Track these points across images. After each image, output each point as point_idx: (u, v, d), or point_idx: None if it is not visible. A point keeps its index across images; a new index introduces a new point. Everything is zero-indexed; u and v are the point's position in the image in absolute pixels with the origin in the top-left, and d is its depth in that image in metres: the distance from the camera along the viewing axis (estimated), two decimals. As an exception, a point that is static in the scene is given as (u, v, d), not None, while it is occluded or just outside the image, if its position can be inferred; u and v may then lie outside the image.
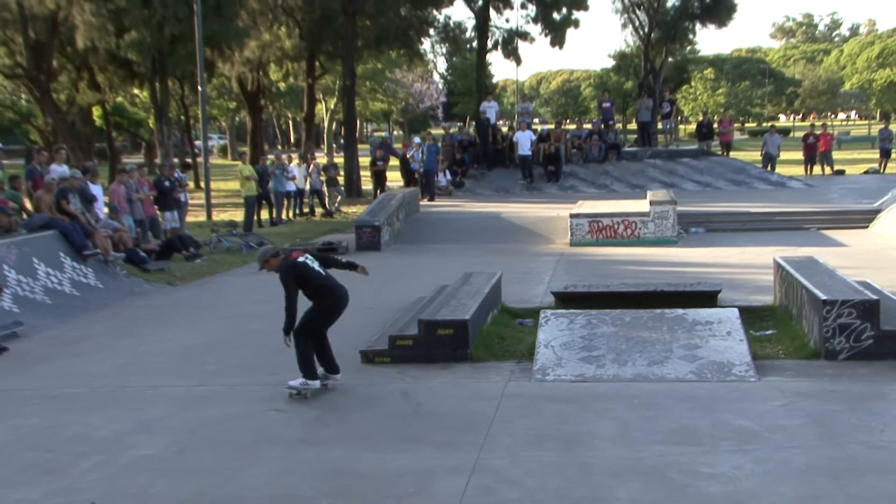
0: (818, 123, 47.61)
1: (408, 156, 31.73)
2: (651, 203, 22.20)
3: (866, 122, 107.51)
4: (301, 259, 9.80)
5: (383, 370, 10.69)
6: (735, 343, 10.73)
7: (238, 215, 27.24)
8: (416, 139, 34.73)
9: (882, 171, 37.65)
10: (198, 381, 10.55)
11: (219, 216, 28.86)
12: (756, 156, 38.82)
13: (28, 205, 18.42)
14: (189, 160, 44.44)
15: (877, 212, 23.58)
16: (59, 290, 15.65)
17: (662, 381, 9.90)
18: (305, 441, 8.35)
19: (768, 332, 12.09)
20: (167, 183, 22.57)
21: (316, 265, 9.84)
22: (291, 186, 29.13)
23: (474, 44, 46.34)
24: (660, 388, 9.67)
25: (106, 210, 19.48)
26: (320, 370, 9.87)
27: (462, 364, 10.81)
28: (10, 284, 14.37)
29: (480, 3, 43.27)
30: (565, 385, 9.92)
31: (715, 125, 40.05)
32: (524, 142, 31.45)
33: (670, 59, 55.91)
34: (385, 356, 11.02)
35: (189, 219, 25.44)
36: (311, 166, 30.88)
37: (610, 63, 77.46)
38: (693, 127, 56.06)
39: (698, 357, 10.44)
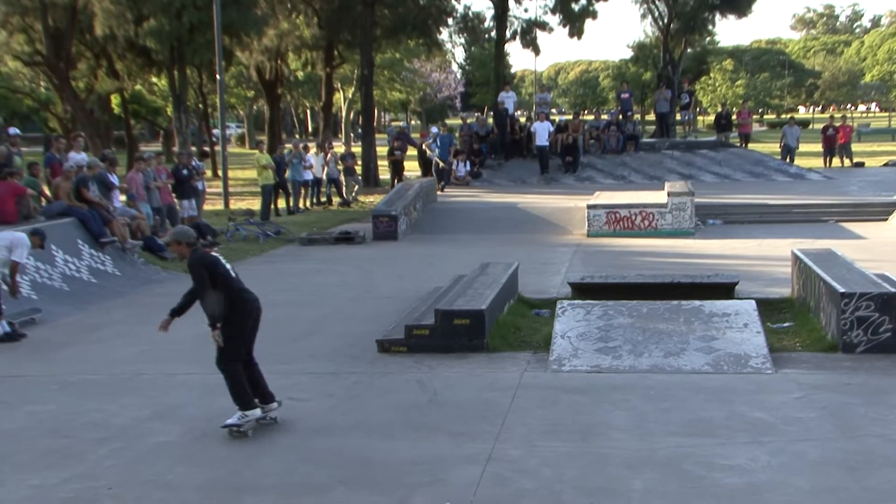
0: (838, 115, 47.37)
1: (423, 146, 31.77)
2: (669, 194, 22.12)
3: (886, 114, 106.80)
4: (214, 254, 8.60)
5: (399, 359, 10.71)
6: (752, 335, 10.70)
7: (255, 204, 27.30)
8: (434, 129, 34.80)
9: (902, 163, 37.41)
10: (214, 369, 10.49)
11: (236, 205, 28.92)
12: (775, 147, 38.59)
13: (46, 192, 18.52)
14: (207, 149, 44.54)
15: (896, 204, 23.45)
16: (77, 278, 15.74)
17: (679, 373, 9.89)
18: (320, 429, 8.38)
19: (785, 325, 12.06)
20: (185, 171, 22.62)
21: (228, 266, 8.53)
22: (309, 175, 29.16)
23: (493, 34, 46.20)
24: (676, 379, 9.66)
25: (123, 198, 19.55)
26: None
27: (478, 354, 10.82)
28: (28, 271, 14.45)
29: (499, -8, 43.11)
30: (581, 376, 9.92)
31: (734, 116, 39.81)
32: (542, 132, 31.39)
33: (689, 50, 55.62)
34: (401, 345, 11.04)
35: (206, 207, 25.51)
36: (329, 155, 30.90)
37: (628, 54, 77.40)
38: (712, 118, 55.82)
39: (715, 349, 10.42)
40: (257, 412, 8.37)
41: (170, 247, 8.81)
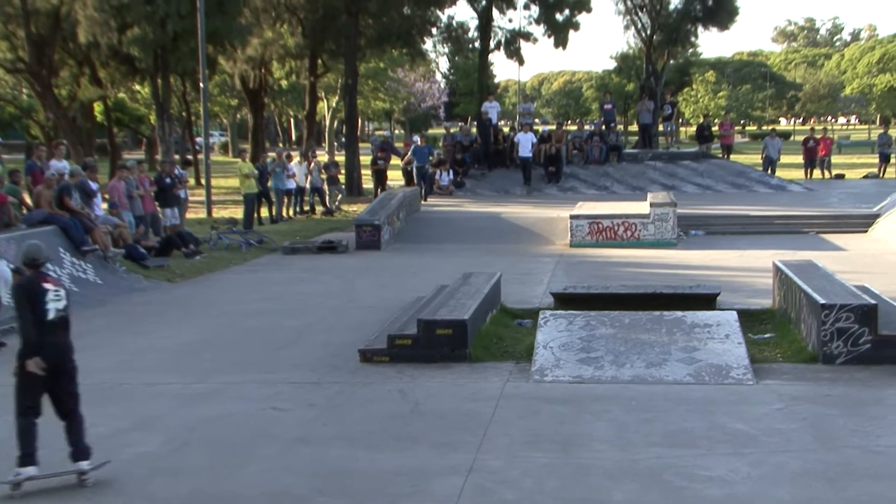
0: (818, 127, 47.66)
1: (404, 159, 31.97)
2: (651, 205, 22.19)
3: (866, 126, 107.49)
4: (46, 286, 7.54)
5: (382, 369, 10.69)
6: (733, 346, 10.73)
7: (238, 213, 27.21)
8: (416, 138, 34.86)
9: (881, 175, 37.66)
10: (196, 378, 10.54)
11: (219, 213, 28.83)
12: (756, 159, 38.78)
13: (27, 200, 18.41)
14: (190, 157, 44.43)
15: (876, 216, 23.58)
16: (59, 286, 15.61)
17: (660, 384, 9.90)
18: (302, 439, 8.35)
19: (766, 336, 12.10)
20: (167, 180, 22.52)
21: (58, 304, 7.49)
22: (292, 184, 29.10)
23: (477, 44, 46.20)
24: (658, 390, 9.67)
25: (104, 206, 19.45)
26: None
27: (460, 364, 10.82)
28: (6, 278, 14.33)
29: (483, 3, 43.14)
30: (563, 386, 9.92)
31: (716, 128, 40.02)
32: (525, 144, 31.43)
33: (672, 62, 55.81)
34: (384, 355, 11.02)
35: (189, 216, 25.43)
36: (312, 164, 30.84)
37: (612, 65, 77.39)
38: (694, 129, 56.05)
39: (696, 360, 10.44)
40: (30, 470, 7.31)
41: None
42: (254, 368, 10.90)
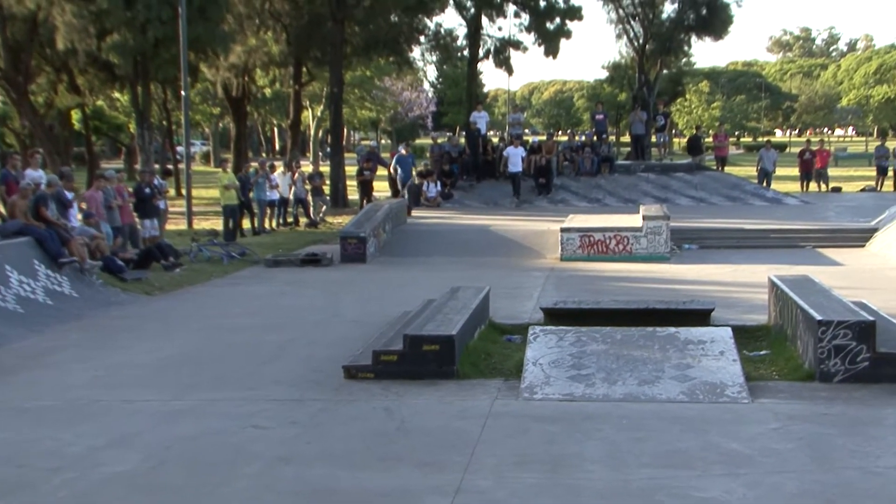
0: (815, 139, 47.82)
1: (389, 170, 32.08)
2: (644, 218, 22.22)
3: (863, 138, 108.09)
4: None
5: (366, 386, 10.63)
6: (728, 363, 10.71)
7: (220, 224, 27.16)
8: (401, 148, 34.96)
9: (879, 188, 37.87)
10: (174, 394, 10.47)
11: (200, 225, 28.78)
12: (751, 171, 38.95)
13: (1, 210, 18.32)
14: (170, 166, 44.31)
15: (874, 230, 23.67)
16: (32, 299, 15.54)
17: (653, 402, 9.87)
18: (284, 458, 8.29)
19: (762, 353, 12.08)
20: (147, 190, 22.49)
21: None
22: (275, 195, 29.07)
23: (465, 52, 46.38)
24: (650, 408, 9.64)
25: (79, 216, 19.36)
26: None
27: (448, 381, 10.76)
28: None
29: (472, 10, 43.32)
30: (553, 404, 9.88)
31: (710, 139, 40.19)
32: (514, 158, 31.40)
33: (665, 72, 56.08)
34: (368, 372, 10.96)
35: (169, 227, 25.39)
36: (296, 175, 30.84)
37: (604, 74, 77.64)
38: (687, 140, 56.26)
39: (690, 377, 10.42)
40: None
41: None
42: (234, 385, 10.83)
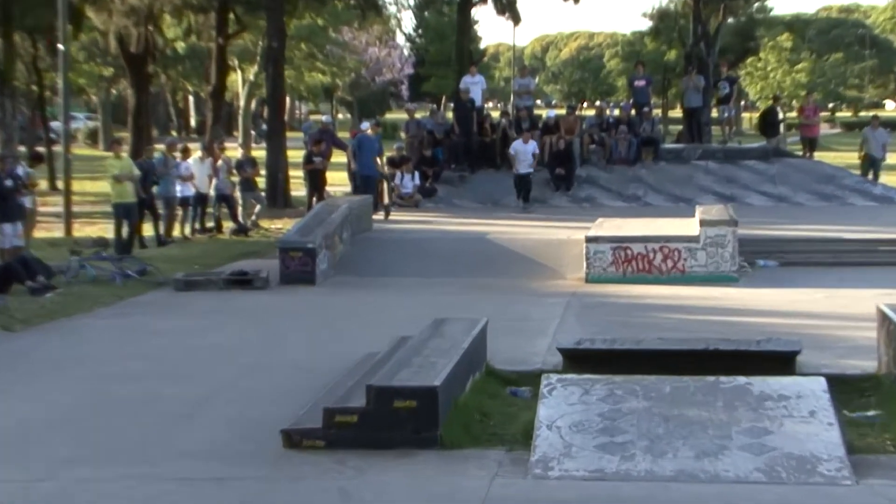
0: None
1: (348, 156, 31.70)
2: (702, 224, 22.23)
3: None
4: None
5: (315, 458, 10.55)
6: (821, 428, 10.66)
7: (110, 230, 27.08)
8: (365, 125, 34.69)
9: None
10: (43, 472, 10.34)
11: (82, 231, 28.71)
12: (852, 158, 39.07)
13: None
14: (41, 149, 44.24)
15: None
16: None
17: (717, 482, 9.80)
18: (197, 563, 8.20)
19: (870, 414, 12.07)
20: (7, 182, 22.37)
21: None
22: (188, 190, 28.99)
23: (454, -7, 46.60)
24: (712, 490, 9.58)
25: None
26: None
27: (428, 451, 10.68)
28: None
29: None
30: (576, 485, 9.81)
31: (793, 114, 40.34)
32: (524, 156, 30.26)
33: (730, 21, 56.44)
34: (318, 438, 10.88)
35: (38, 234, 25.29)
36: (219, 162, 30.77)
37: (646, 24, 78.24)
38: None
39: (768, 447, 10.36)
40: None
41: None
42: (127, 458, 10.72)
